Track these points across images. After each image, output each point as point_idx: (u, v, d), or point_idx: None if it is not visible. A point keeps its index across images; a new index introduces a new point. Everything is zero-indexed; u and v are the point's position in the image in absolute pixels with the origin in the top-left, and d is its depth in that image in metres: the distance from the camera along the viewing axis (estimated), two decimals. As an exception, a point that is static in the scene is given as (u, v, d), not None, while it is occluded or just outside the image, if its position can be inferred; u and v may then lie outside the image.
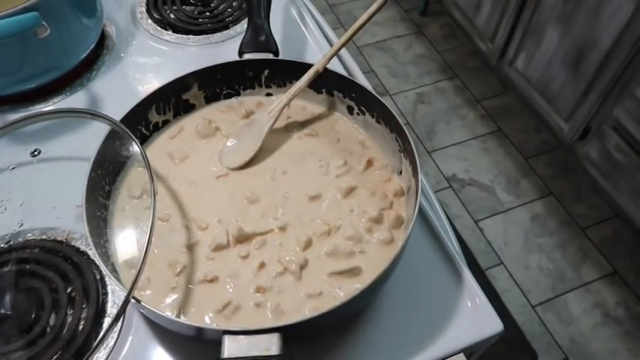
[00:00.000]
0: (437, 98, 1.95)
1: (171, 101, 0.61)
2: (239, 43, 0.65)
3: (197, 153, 0.60)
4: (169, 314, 0.47)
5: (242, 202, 0.55)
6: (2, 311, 0.51)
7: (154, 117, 0.61)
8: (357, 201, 0.55)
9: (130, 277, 0.44)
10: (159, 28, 0.81)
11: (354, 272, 0.50)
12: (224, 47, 0.79)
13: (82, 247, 0.56)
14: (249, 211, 0.54)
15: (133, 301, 0.43)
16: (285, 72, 0.63)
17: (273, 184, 0.57)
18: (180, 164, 0.59)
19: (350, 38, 0.60)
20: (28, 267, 0.54)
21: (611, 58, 1.28)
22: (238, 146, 0.60)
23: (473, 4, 1.78)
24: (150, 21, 0.82)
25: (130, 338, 0.51)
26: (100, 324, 0.51)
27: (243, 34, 0.66)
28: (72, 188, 0.50)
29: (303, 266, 0.50)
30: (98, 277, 0.53)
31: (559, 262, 1.53)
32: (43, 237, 0.56)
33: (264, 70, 0.64)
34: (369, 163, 0.58)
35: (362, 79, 0.72)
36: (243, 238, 0.52)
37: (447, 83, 2.00)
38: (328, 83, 0.62)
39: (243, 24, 0.82)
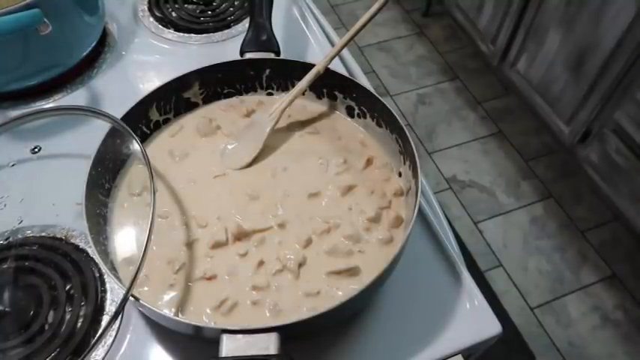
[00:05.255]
0: (438, 99, 1.95)
1: (172, 100, 0.61)
2: (240, 43, 0.65)
3: (197, 151, 0.60)
4: (167, 312, 0.47)
5: (242, 199, 0.55)
6: (1, 308, 0.51)
7: (155, 115, 0.61)
8: (356, 199, 0.55)
9: (128, 275, 0.44)
10: (160, 26, 0.81)
11: (352, 272, 0.50)
12: (225, 46, 0.79)
13: (82, 245, 0.56)
14: (248, 208, 0.54)
15: (131, 299, 0.43)
16: (286, 72, 0.63)
17: (273, 181, 0.57)
18: (181, 162, 0.59)
19: (351, 39, 0.60)
20: (27, 264, 0.54)
21: (612, 61, 1.28)
22: (240, 148, 0.60)
23: (475, 6, 1.78)
24: (152, 19, 0.82)
25: (128, 336, 0.51)
26: (99, 322, 0.51)
27: (244, 34, 0.66)
28: (72, 186, 0.50)
29: (301, 264, 0.50)
30: (97, 274, 0.53)
31: (558, 265, 1.53)
32: (43, 234, 0.56)
33: (265, 70, 0.64)
34: (369, 162, 0.59)
35: (363, 80, 0.72)
36: (242, 236, 0.52)
37: (448, 84, 2.00)
38: (329, 83, 0.62)
39: (245, 23, 0.82)
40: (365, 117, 0.61)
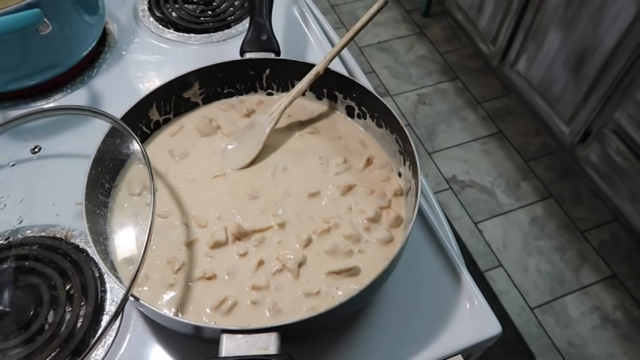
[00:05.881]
0: (438, 99, 1.95)
1: (172, 99, 0.61)
2: (240, 42, 0.65)
3: (198, 151, 0.60)
4: (167, 312, 0.47)
5: (242, 198, 0.55)
6: (1, 308, 0.51)
7: (155, 115, 0.61)
8: (356, 199, 0.55)
9: (128, 275, 0.44)
10: (160, 26, 0.82)
11: (352, 272, 0.50)
12: (225, 46, 0.79)
13: (82, 245, 0.56)
14: (248, 208, 0.54)
15: (131, 298, 0.43)
16: (286, 72, 0.63)
17: (273, 181, 0.57)
18: (181, 162, 0.59)
19: (350, 39, 0.60)
20: (27, 264, 0.54)
21: (612, 61, 1.28)
22: (240, 148, 0.60)
23: (475, 6, 1.78)
24: (152, 19, 0.83)
25: (128, 336, 0.51)
26: (99, 322, 0.51)
27: (244, 34, 0.66)
28: (72, 185, 0.50)
29: (301, 264, 0.50)
30: (97, 274, 0.54)
31: (558, 265, 1.53)
32: (43, 234, 0.56)
33: (265, 70, 0.64)
34: (369, 162, 0.59)
35: (363, 80, 0.72)
36: (242, 235, 0.52)
37: (448, 85, 2.00)
38: (329, 83, 0.62)
39: (245, 23, 0.82)
40: (365, 117, 0.61)
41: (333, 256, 0.51)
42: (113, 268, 0.48)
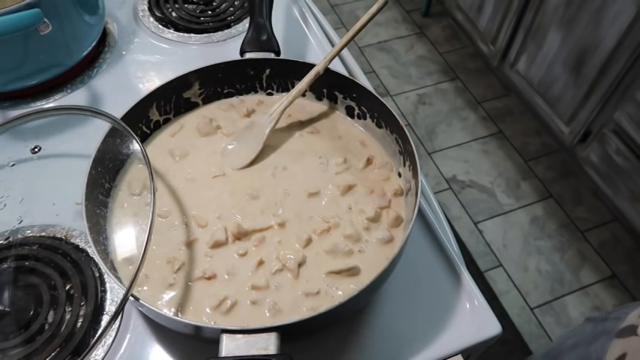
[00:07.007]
0: (438, 99, 1.95)
1: (172, 99, 0.61)
2: (240, 42, 0.65)
3: (198, 150, 0.60)
4: (167, 312, 0.47)
5: (242, 198, 0.55)
6: (1, 308, 0.51)
7: (155, 115, 0.61)
8: (356, 199, 0.55)
9: (128, 274, 0.44)
10: (160, 26, 0.82)
11: (352, 272, 0.50)
12: (225, 46, 0.79)
13: (82, 245, 0.56)
14: (248, 207, 0.54)
15: (131, 298, 0.43)
16: (286, 72, 0.63)
17: (273, 180, 0.57)
18: (181, 162, 0.59)
19: (350, 39, 0.60)
20: (27, 264, 0.54)
21: (612, 61, 1.28)
22: (240, 148, 0.60)
23: (475, 6, 1.78)
24: (152, 19, 0.83)
25: (128, 336, 0.51)
26: (99, 321, 0.51)
27: (244, 33, 0.66)
28: (72, 185, 0.50)
29: (301, 264, 0.50)
30: (97, 274, 0.54)
31: (558, 265, 1.53)
32: (43, 234, 0.56)
33: (265, 70, 0.64)
34: (369, 162, 0.59)
35: (363, 80, 0.72)
36: (242, 235, 0.52)
37: (448, 85, 2.00)
38: (329, 83, 0.62)
39: (245, 23, 0.82)
40: (365, 117, 0.61)
41: (333, 255, 0.51)
42: (113, 268, 0.48)
